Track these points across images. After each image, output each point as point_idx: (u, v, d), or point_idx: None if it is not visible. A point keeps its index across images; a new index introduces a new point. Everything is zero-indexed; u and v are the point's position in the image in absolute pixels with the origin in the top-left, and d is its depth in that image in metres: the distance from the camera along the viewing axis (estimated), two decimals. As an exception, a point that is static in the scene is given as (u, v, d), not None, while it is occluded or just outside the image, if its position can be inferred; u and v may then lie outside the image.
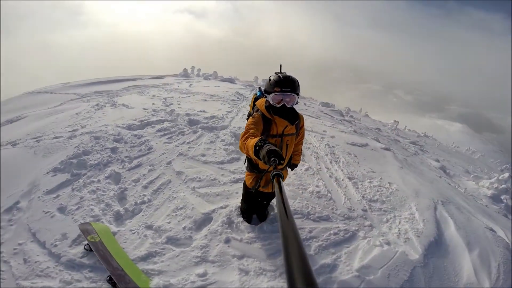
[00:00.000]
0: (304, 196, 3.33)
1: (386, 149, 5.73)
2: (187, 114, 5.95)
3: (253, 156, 1.71)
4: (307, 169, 4.00)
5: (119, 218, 3.15)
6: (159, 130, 5.18)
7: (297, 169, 4.00)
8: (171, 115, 5.87)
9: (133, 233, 2.87)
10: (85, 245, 2.65)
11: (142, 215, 3.16)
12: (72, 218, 3.14)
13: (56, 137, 5.16)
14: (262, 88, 2.39)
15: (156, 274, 2.39)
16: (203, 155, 4.35)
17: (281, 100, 2.14)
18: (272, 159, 1.48)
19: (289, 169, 2.85)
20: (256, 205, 2.86)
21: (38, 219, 3.15)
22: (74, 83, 9.45)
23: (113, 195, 3.52)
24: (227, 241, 2.69)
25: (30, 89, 8.85)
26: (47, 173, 4.04)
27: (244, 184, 2.67)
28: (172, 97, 7.61)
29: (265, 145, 1.61)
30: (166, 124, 5.42)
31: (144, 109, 6.40)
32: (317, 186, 3.55)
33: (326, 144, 5.08)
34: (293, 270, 0.60)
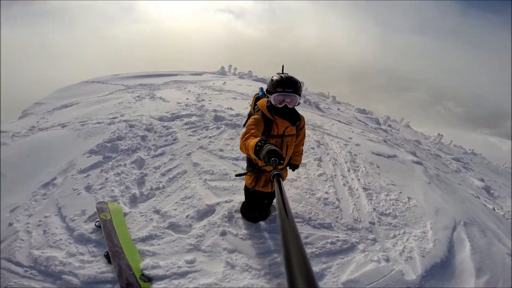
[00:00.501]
0: (310, 201, 3.15)
1: (417, 162, 5.24)
2: (215, 111, 6.05)
3: (253, 156, 1.69)
4: (320, 175, 3.80)
5: (133, 201, 3.31)
6: (186, 123, 5.35)
7: (310, 173, 3.83)
8: (200, 110, 6.03)
9: (142, 216, 2.99)
10: (96, 222, 2.83)
11: (154, 200, 3.28)
12: (94, 196, 3.38)
13: (98, 123, 5.62)
14: (264, 88, 2.35)
15: (149, 255, 2.46)
16: (221, 150, 4.38)
17: (283, 100, 2.09)
18: (273, 159, 1.46)
19: (299, 173, 2.76)
20: (257, 204, 2.81)
21: (66, 195, 3.44)
22: (123, 75, 10.22)
23: (133, 179, 3.72)
24: (223, 234, 2.67)
25: (86, 78, 9.77)
26: (84, 154, 4.41)
27: (245, 185, 2.64)
28: (205, 93, 7.82)
29: (265, 145, 1.58)
30: (193, 118, 5.57)
31: (177, 103, 6.67)
32: (326, 193, 3.35)
33: (348, 152, 4.80)
34: (293, 270, 0.59)
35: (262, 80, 10.96)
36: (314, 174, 3.83)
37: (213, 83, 9.26)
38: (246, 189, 2.64)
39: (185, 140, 4.73)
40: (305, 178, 3.69)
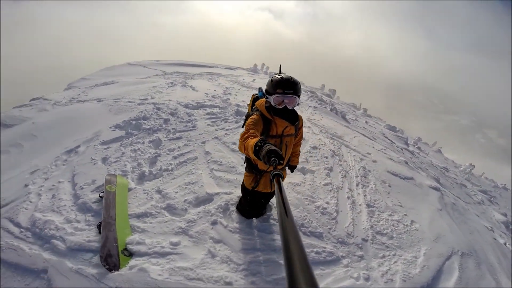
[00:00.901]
0: (308, 208, 3.00)
1: (435, 188, 4.83)
2: (238, 105, 6.06)
3: (252, 156, 1.66)
4: (326, 184, 3.62)
5: (141, 178, 3.41)
6: (208, 113, 5.41)
7: (316, 181, 3.67)
8: (224, 103, 6.07)
9: (144, 193, 3.06)
10: (100, 193, 2.94)
11: (160, 180, 3.35)
12: (108, 168, 3.53)
13: (129, 102, 5.89)
14: (263, 89, 2.27)
15: (138, 231, 2.49)
16: (234, 143, 4.36)
17: (283, 101, 2.02)
18: (272, 159, 1.43)
19: (305, 179, 2.65)
20: (255, 204, 2.73)
21: (84, 163, 3.63)
22: (163, 61, 10.63)
23: (147, 157, 3.83)
24: (214, 223, 2.64)
25: (131, 60, 10.31)
26: (110, 127, 4.64)
27: (243, 185, 2.58)
28: (233, 87, 7.87)
29: (265, 145, 1.55)
30: (216, 110, 5.62)
31: (205, 93, 6.78)
32: (327, 203, 3.17)
33: (362, 166, 4.53)
34: (294, 270, 0.58)
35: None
36: (320, 182, 3.67)
37: (243, 79, 9.30)
38: (244, 188, 2.57)
39: (203, 129, 4.78)
40: (310, 185, 3.55)
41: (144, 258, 2.22)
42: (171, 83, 7.60)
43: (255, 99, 2.48)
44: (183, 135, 4.54)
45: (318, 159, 4.31)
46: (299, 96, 2.05)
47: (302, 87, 10.87)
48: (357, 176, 4.16)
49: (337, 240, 2.65)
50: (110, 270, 2.08)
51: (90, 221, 2.59)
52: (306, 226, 2.72)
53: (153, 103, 5.72)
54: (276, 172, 1.29)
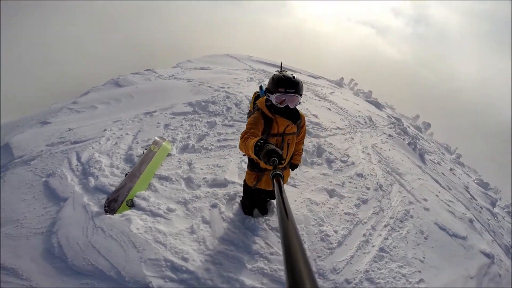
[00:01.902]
0: (309, 229, 2.71)
1: (487, 255, 3.73)
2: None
3: (253, 156, 1.63)
4: (348, 213, 3.09)
5: (184, 149, 3.86)
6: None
7: (339, 207, 3.28)
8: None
9: (177, 161, 3.45)
10: (144, 149, 3.45)
11: (196, 155, 3.72)
12: (164, 133, 4.15)
13: (209, 87, 6.61)
14: (264, 87, 2.17)
15: (152, 189, 2.83)
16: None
17: (284, 100, 1.94)
18: (272, 159, 1.41)
19: (328, 201, 2.52)
20: (257, 201, 2.73)
21: (150, 125, 4.31)
22: (255, 58, 11.31)
23: (197, 134, 4.29)
24: (213, 206, 2.74)
25: (231, 52, 11.42)
26: (183, 103, 5.36)
27: (245, 182, 2.56)
28: (305, 95, 7.75)
29: (265, 145, 1.53)
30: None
31: None
32: (334, 231, 2.78)
33: (405, 210, 3.79)
34: (293, 270, 0.57)
35: (375, 104, 9.75)
36: (343, 210, 3.31)
37: (321, 89, 9.00)
38: (246, 185, 2.56)
39: None
40: (329, 208, 3.25)
41: (139, 212, 2.52)
42: (251, 78, 8.08)
43: (256, 97, 2.43)
44: (235, 124, 4.84)
45: (356, 187, 3.89)
46: (301, 95, 1.97)
47: (391, 112, 9.74)
48: (391, 217, 3.57)
49: (317, 270, 2.38)
50: (106, 212, 2.44)
51: (126, 170, 3.08)
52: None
53: (226, 92, 6.25)
54: (276, 172, 1.26)
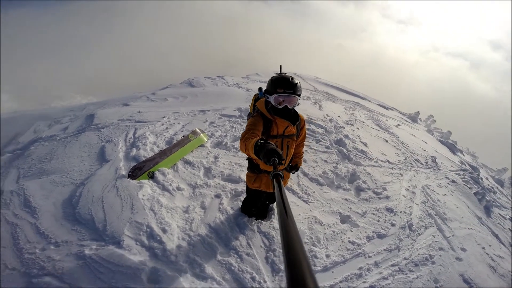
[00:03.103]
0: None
1: None
2: (346, 136, 5.63)
3: (253, 156, 1.63)
4: (352, 242, 2.80)
5: (217, 144, 4.12)
6: (311, 130, 5.46)
7: (346, 236, 2.96)
8: (333, 129, 5.81)
9: (206, 153, 3.73)
10: (183, 136, 3.90)
11: (224, 152, 3.93)
12: (206, 127, 4.58)
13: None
14: (263, 88, 2.15)
15: (174, 169, 3.19)
16: (321, 176, 4.05)
17: (283, 101, 1.93)
18: (272, 158, 1.40)
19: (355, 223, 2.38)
20: (253, 203, 2.70)
21: (198, 120, 4.81)
22: (322, 79, 11.20)
23: (234, 135, 4.51)
24: (217, 196, 2.89)
25: (299, 72, 11.66)
26: (234, 108, 5.79)
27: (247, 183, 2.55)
28: (363, 122, 7.21)
29: (265, 145, 1.52)
30: (320, 130, 5.51)
31: (326, 114, 6.71)
32: (315, 256, 2.53)
33: (428, 255, 3.12)
34: (293, 269, 0.57)
35: (451, 147, 8.25)
36: (348, 238, 2.91)
37: (386, 120, 8.20)
38: (247, 187, 2.56)
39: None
40: (333, 232, 2.90)
41: (153, 183, 2.87)
42: (308, 97, 8.07)
43: (256, 99, 2.43)
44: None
45: (378, 221, 3.42)
46: (299, 96, 1.95)
47: (470, 159, 8.25)
48: (406, 259, 2.95)
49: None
50: (128, 176, 2.86)
51: (163, 149, 3.55)
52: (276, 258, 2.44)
53: None
54: (276, 172, 1.25)
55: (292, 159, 2.42)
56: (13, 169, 3.20)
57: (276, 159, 1.37)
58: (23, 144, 4.03)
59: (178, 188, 2.90)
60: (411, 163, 5.76)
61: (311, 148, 4.79)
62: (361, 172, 4.42)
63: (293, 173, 2.58)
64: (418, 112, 10.06)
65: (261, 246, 2.44)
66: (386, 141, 6.54)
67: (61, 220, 2.41)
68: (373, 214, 3.43)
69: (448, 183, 5.83)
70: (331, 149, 4.98)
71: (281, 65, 2.30)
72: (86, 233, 2.29)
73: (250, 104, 2.61)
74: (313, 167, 4.22)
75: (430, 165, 6.06)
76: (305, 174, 3.97)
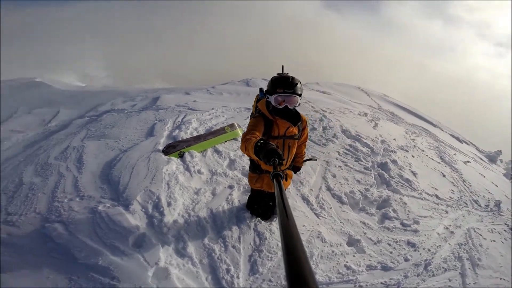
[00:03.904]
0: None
1: None
2: (394, 162, 5.10)
3: (254, 156, 1.62)
4: (348, 267, 2.59)
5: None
6: (352, 147, 5.10)
7: (343, 257, 2.75)
8: (380, 150, 5.29)
9: (236, 146, 3.92)
10: (221, 126, 4.22)
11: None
12: (245, 124, 4.82)
13: (312, 106, 6.79)
14: (264, 89, 2.10)
15: (202, 154, 3.51)
16: (346, 194, 3.72)
17: (283, 101, 1.91)
18: (272, 159, 1.41)
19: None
20: (255, 202, 2.72)
21: (241, 116, 5.06)
22: (390, 98, 10.21)
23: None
24: (230, 187, 3.03)
25: (366, 86, 10.96)
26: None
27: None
28: (423, 151, 6.33)
29: (265, 145, 1.53)
30: (364, 149, 5.07)
31: (379, 134, 6.09)
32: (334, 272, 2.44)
33: None
34: (294, 270, 0.56)
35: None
36: (346, 261, 2.66)
37: (454, 154, 7.00)
38: (252, 189, 2.59)
39: (335, 154, 4.71)
40: (331, 252, 2.63)
41: (180, 162, 3.22)
42: (366, 113, 7.53)
43: (258, 100, 2.35)
44: (308, 143, 4.80)
45: (392, 252, 2.97)
46: (299, 96, 1.92)
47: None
48: None
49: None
50: (162, 151, 3.26)
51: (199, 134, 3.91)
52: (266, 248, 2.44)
53: (323, 115, 6.24)
54: (276, 172, 1.25)
55: (294, 159, 2.37)
56: (84, 129, 4.02)
57: (276, 159, 1.38)
58: (99, 113, 4.99)
59: (199, 171, 3.16)
60: (465, 203, 4.84)
61: (346, 165, 4.52)
62: (395, 200, 3.98)
63: (295, 173, 2.53)
64: (500, 151, 8.19)
65: (250, 244, 2.44)
66: (444, 175, 5.64)
67: (96, 178, 2.88)
68: (389, 244, 3.06)
69: (505, 230, 4.70)
70: (370, 171, 4.59)
71: (283, 65, 2.22)
72: (109, 192, 2.67)
73: (252, 105, 2.58)
74: (341, 184, 3.99)
75: (491, 208, 4.98)
76: (329, 189, 3.79)
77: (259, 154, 1.51)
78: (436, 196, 4.58)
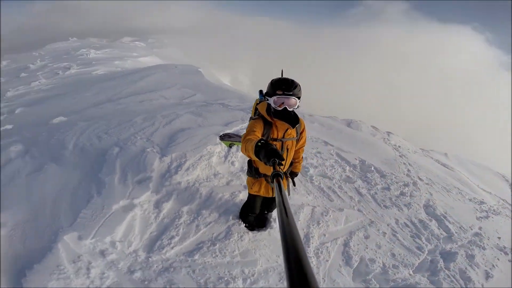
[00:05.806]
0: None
1: None
2: (470, 258, 3.29)
3: (254, 157, 1.63)
4: None
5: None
6: (415, 223, 3.84)
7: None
8: (448, 241, 3.54)
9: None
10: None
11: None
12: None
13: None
14: (264, 91, 2.04)
15: (232, 149, 3.78)
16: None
17: (283, 103, 1.89)
18: (272, 159, 1.42)
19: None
20: (250, 208, 2.64)
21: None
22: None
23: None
24: (245, 187, 3.08)
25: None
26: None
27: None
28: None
29: (265, 146, 1.55)
30: (436, 231, 3.64)
31: (473, 226, 4.06)
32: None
33: None
34: (294, 270, 0.56)
35: None
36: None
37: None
38: (248, 194, 2.54)
39: (385, 221, 3.66)
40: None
41: (225, 150, 3.66)
42: (481, 202, 5.35)
43: (258, 103, 2.27)
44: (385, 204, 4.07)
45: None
46: (299, 98, 1.92)
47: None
48: None
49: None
50: (218, 136, 3.68)
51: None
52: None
53: (425, 184, 4.89)
54: (275, 172, 1.26)
55: (292, 164, 2.34)
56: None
57: (276, 159, 1.39)
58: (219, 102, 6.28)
59: (232, 163, 3.45)
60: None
61: (394, 235, 3.26)
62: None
63: (292, 179, 2.37)
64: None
65: (233, 252, 2.55)
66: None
67: (155, 146, 3.48)
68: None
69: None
70: (422, 253, 3.08)
71: (282, 70, 2.18)
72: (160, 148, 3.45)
73: (252, 108, 2.53)
74: (366, 247, 2.99)
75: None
76: (346, 244, 3.10)
77: (259, 154, 1.52)
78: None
